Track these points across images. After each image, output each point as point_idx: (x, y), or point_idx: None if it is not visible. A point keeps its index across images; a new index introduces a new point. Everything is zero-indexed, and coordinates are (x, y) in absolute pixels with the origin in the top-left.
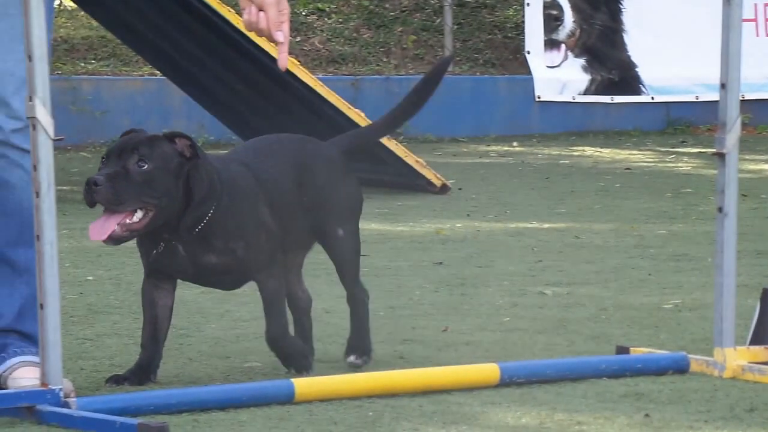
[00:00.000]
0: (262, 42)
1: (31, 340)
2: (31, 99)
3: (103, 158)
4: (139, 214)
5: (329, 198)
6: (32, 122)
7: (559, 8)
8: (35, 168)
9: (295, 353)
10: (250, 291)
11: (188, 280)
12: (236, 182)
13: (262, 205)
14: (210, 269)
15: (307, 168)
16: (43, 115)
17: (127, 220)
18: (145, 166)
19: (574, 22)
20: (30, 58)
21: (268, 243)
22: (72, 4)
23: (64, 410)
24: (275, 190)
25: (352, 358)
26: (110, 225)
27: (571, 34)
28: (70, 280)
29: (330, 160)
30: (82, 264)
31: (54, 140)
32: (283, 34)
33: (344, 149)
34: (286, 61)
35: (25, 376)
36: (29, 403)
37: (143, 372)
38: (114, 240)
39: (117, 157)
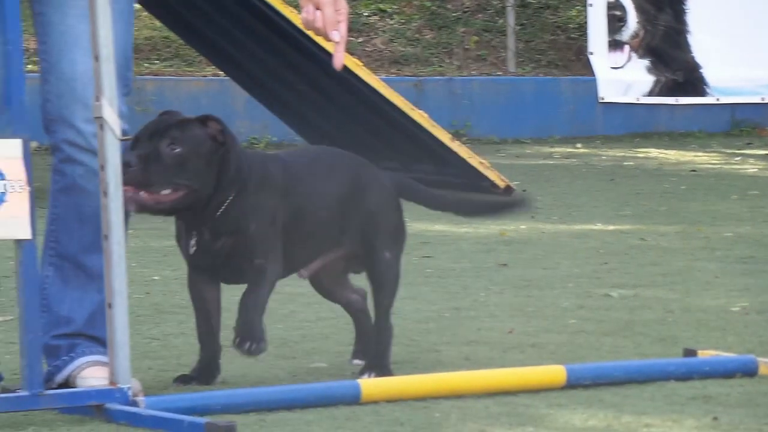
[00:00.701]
0: (323, 42)
1: (99, 341)
2: (98, 99)
3: (133, 139)
4: (168, 189)
5: (379, 223)
6: (99, 122)
7: (623, 9)
8: (102, 168)
9: (253, 328)
10: (313, 292)
11: (214, 271)
12: (266, 177)
13: (282, 205)
14: (227, 255)
15: (360, 190)
16: (110, 115)
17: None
18: (177, 149)
19: (637, 22)
20: (96, 58)
21: (274, 236)
22: (135, 4)
23: (133, 409)
24: (309, 201)
25: (367, 376)
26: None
27: (635, 35)
28: (136, 280)
29: (384, 188)
30: (149, 264)
31: (121, 140)
32: (339, 33)
33: (400, 185)
34: (341, 61)
35: (93, 375)
36: (98, 401)
37: (208, 370)
38: (138, 205)
39: (148, 139)
